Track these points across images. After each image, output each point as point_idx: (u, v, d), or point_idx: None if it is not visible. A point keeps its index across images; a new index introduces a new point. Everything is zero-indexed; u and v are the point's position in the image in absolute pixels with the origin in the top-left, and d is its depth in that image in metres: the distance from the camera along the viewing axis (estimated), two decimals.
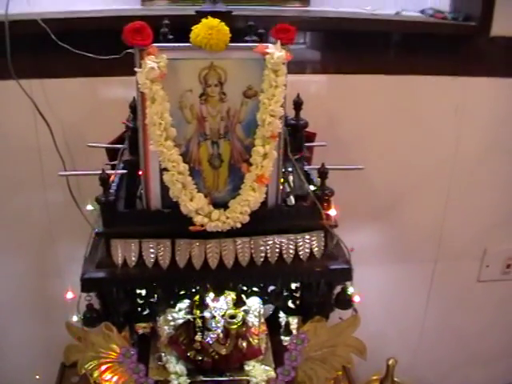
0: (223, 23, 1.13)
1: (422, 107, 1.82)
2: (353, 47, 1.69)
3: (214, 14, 1.19)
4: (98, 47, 1.47)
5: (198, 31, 1.11)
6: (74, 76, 1.66)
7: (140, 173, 1.23)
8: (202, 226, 1.18)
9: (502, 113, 1.88)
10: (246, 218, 1.18)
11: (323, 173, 1.22)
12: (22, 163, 1.76)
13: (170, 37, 1.25)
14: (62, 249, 1.85)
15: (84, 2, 1.73)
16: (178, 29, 1.24)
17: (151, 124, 1.12)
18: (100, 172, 1.22)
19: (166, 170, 1.16)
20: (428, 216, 2.00)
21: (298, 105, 1.38)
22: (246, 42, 1.26)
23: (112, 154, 1.48)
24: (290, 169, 1.33)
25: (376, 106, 1.79)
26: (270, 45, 1.13)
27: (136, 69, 1.12)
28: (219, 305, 1.49)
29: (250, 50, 1.14)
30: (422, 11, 1.85)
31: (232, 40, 1.19)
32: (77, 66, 1.51)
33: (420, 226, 2.01)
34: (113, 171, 1.33)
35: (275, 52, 1.11)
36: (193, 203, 1.16)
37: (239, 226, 1.18)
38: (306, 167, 1.36)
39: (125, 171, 1.32)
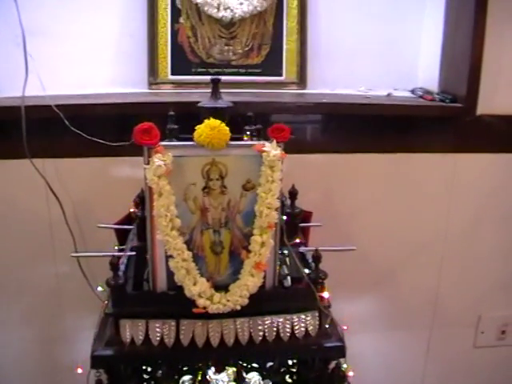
0: (224, 124, 1.22)
1: (415, 183, 1.92)
2: (348, 128, 1.79)
3: (216, 110, 1.28)
4: (108, 129, 1.64)
5: (200, 131, 1.22)
6: (85, 156, 1.76)
7: (147, 257, 1.31)
8: (205, 308, 1.26)
9: (491, 186, 1.97)
10: (246, 301, 1.27)
11: (317, 257, 1.31)
12: (34, 238, 1.85)
13: (175, 126, 1.35)
14: (70, 318, 1.91)
15: (94, 86, 1.83)
16: (183, 114, 1.39)
17: (158, 215, 1.22)
18: (109, 254, 1.32)
19: (171, 256, 1.25)
20: (423, 285, 2.08)
21: (293, 195, 1.48)
22: (246, 131, 1.36)
23: (120, 233, 1.57)
24: (286, 252, 1.41)
25: (371, 183, 1.89)
26: (266, 143, 1.22)
27: (144, 165, 1.22)
28: (221, 377, 1.55)
29: (249, 147, 1.24)
30: (413, 91, 1.94)
31: (232, 127, 1.29)
32: (88, 147, 1.59)
33: (415, 295, 2.08)
34: (122, 253, 1.40)
35: (271, 150, 1.21)
36: (196, 287, 1.25)
37: (239, 308, 1.27)
38: (302, 249, 1.44)
39: (133, 253, 1.40)
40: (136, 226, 1.41)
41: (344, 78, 1.93)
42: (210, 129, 1.20)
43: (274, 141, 1.23)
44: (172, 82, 1.83)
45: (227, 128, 1.22)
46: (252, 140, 1.34)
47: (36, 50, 1.71)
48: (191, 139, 1.25)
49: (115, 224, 1.58)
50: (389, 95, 1.86)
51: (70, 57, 1.85)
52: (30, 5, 1.73)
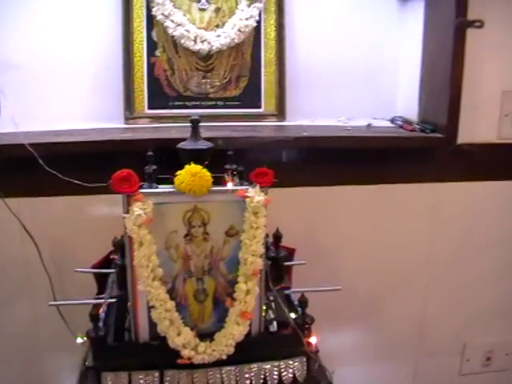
0: (205, 170, 1.19)
1: (397, 213, 1.91)
2: (328, 161, 1.76)
3: (197, 152, 1.25)
4: (84, 167, 1.59)
5: (181, 178, 1.19)
6: (61, 195, 1.71)
7: (128, 306, 1.26)
8: (190, 359, 1.22)
9: (472, 214, 1.97)
10: (231, 350, 1.24)
11: (303, 302, 1.28)
12: (9, 279, 1.79)
13: (154, 167, 1.31)
14: (49, 363, 1.86)
15: (70, 120, 1.79)
16: (161, 151, 1.36)
17: (139, 266, 1.18)
18: (88, 302, 1.28)
19: (153, 307, 1.21)
20: (408, 314, 2.06)
21: (277, 238, 1.44)
22: (226, 170, 1.33)
23: (99, 275, 1.52)
24: (271, 297, 1.37)
25: (353, 215, 1.87)
26: (249, 188, 1.19)
27: (123, 214, 1.18)
28: None
29: (231, 193, 1.21)
30: (392, 120, 1.93)
31: (212, 164, 1.29)
32: (63, 185, 1.53)
33: (400, 325, 2.06)
34: (101, 300, 1.36)
35: (255, 196, 1.18)
36: (180, 338, 1.22)
37: (225, 357, 1.23)
38: (287, 291, 1.41)
39: (113, 299, 1.35)
40: (116, 274, 1.35)
41: (323, 109, 1.91)
42: (191, 175, 1.17)
43: (258, 186, 1.19)
44: (149, 117, 1.79)
45: (209, 174, 1.19)
46: (233, 180, 1.30)
47: (9, 83, 1.71)
48: (171, 180, 1.21)
49: (93, 266, 1.54)
50: (369, 126, 1.85)
51: (45, 90, 1.80)
52: (2, 38, 1.71)
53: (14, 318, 1.81)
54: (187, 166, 1.19)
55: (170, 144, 1.41)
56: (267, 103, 1.85)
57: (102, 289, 1.49)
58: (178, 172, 1.19)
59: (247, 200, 1.19)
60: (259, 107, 1.85)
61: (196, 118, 1.31)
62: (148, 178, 1.25)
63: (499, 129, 1.88)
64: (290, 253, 1.56)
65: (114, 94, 1.80)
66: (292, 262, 1.53)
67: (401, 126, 1.85)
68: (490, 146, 1.89)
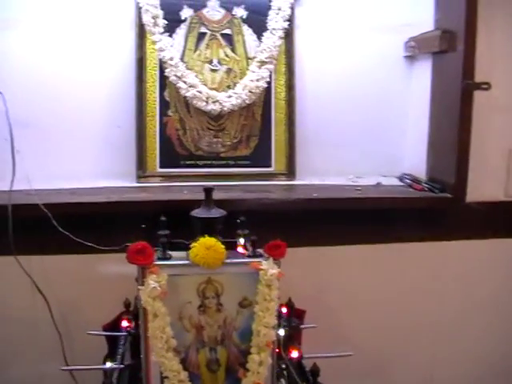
0: (219, 242, 1.20)
1: (406, 272, 1.91)
2: (338, 220, 1.78)
3: (209, 220, 1.27)
4: (97, 227, 1.64)
5: (196, 251, 1.20)
6: (73, 253, 1.71)
7: (141, 376, 1.27)
8: None
9: (481, 271, 1.97)
10: None
11: (315, 371, 1.28)
12: (18, 336, 1.79)
13: (167, 232, 1.35)
14: None
15: (83, 178, 1.82)
16: (173, 212, 1.40)
17: (153, 337, 1.20)
18: (100, 367, 1.31)
19: (166, 377, 1.21)
20: (416, 374, 2.05)
21: (289, 308, 1.45)
22: (238, 235, 1.35)
23: (110, 338, 1.53)
24: (283, 365, 1.38)
25: (361, 275, 1.88)
26: (263, 261, 1.21)
27: (139, 286, 1.19)
28: None
29: (245, 265, 1.22)
30: (401, 178, 1.95)
31: (223, 228, 1.32)
32: (75, 243, 1.59)
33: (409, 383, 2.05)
34: (114, 366, 1.36)
35: (268, 269, 1.19)
36: None
37: None
38: (299, 358, 1.41)
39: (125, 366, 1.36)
40: (129, 342, 1.36)
41: (333, 166, 1.94)
42: (206, 248, 1.19)
43: (271, 258, 1.20)
44: (160, 175, 1.82)
45: (222, 247, 1.20)
46: (245, 247, 1.34)
47: (23, 141, 1.73)
48: (184, 245, 1.23)
49: (104, 327, 1.54)
50: (378, 184, 1.86)
51: (58, 148, 1.84)
52: (15, 95, 1.73)
53: (21, 374, 1.82)
54: (201, 239, 1.20)
55: (182, 205, 1.43)
56: (277, 162, 1.87)
57: (112, 350, 1.49)
58: (193, 244, 1.21)
59: (261, 272, 1.20)
60: (269, 166, 1.87)
61: (210, 186, 1.32)
62: (162, 248, 1.26)
63: (506, 187, 1.91)
64: (301, 314, 1.57)
65: (127, 152, 1.83)
66: (302, 326, 1.53)
67: (410, 185, 1.86)
68: (497, 204, 1.91)
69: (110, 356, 1.44)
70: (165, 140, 1.83)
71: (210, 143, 1.83)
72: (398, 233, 1.84)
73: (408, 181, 1.90)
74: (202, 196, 1.41)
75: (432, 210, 1.82)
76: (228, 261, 1.21)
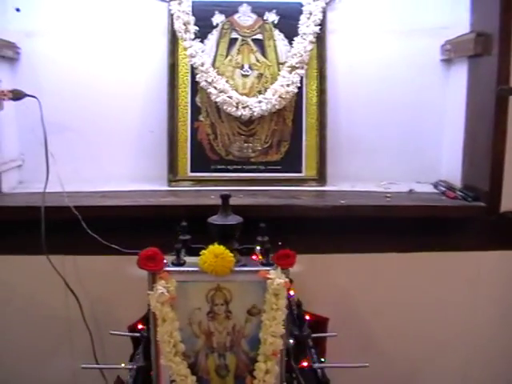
0: (228, 251, 1.21)
1: (438, 282, 1.87)
2: (367, 228, 1.76)
3: (225, 227, 1.29)
4: (126, 229, 1.69)
5: (205, 258, 1.22)
6: (104, 254, 1.75)
7: (152, 377, 1.30)
8: None
9: None
10: None
11: (324, 382, 1.27)
12: (52, 333, 1.85)
13: (188, 237, 1.41)
14: None
15: (115, 181, 1.86)
16: (199, 217, 1.41)
17: (162, 341, 1.22)
18: (116, 367, 1.39)
19: (174, 381, 1.23)
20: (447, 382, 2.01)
21: (300, 313, 1.44)
22: (257, 241, 1.35)
23: (134, 338, 1.56)
24: (293, 375, 1.38)
25: (391, 284, 1.85)
26: (271, 270, 1.21)
27: (148, 291, 1.22)
28: None
29: (253, 273, 1.23)
30: (436, 185, 1.91)
31: (243, 236, 1.36)
32: (105, 244, 1.64)
33: None
34: (129, 367, 1.40)
35: (276, 278, 1.20)
36: None
37: None
38: (316, 365, 1.41)
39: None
40: (142, 345, 1.39)
41: (365, 172, 1.92)
42: (214, 256, 1.20)
43: (279, 268, 1.20)
44: (191, 179, 1.85)
45: (231, 255, 1.21)
46: (263, 254, 1.34)
47: (59, 146, 1.78)
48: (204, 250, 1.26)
49: (129, 327, 1.57)
50: (410, 191, 1.83)
51: (92, 153, 1.90)
52: (53, 103, 1.80)
53: (54, 371, 1.87)
54: (211, 246, 1.22)
55: (208, 210, 1.46)
56: (308, 168, 1.87)
57: (137, 348, 1.52)
58: (202, 252, 1.21)
59: (268, 282, 1.21)
60: (300, 172, 1.87)
61: (226, 193, 1.34)
62: (176, 254, 1.28)
63: None
64: (323, 322, 1.57)
65: (158, 156, 1.87)
66: (323, 334, 1.53)
67: (443, 193, 1.82)
68: None
69: (135, 354, 1.46)
70: (196, 144, 1.85)
71: (240, 148, 1.84)
72: (428, 241, 1.81)
73: (442, 188, 1.85)
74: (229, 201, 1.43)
75: (465, 219, 1.75)
76: (237, 269, 1.21)
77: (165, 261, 1.26)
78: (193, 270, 1.22)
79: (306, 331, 1.42)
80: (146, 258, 1.19)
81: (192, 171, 1.84)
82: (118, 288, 1.80)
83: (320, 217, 1.69)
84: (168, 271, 1.21)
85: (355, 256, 1.79)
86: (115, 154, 1.88)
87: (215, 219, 1.33)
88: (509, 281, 1.87)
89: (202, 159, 1.85)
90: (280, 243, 1.47)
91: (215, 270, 1.19)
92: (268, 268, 1.22)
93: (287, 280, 1.20)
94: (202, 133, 1.83)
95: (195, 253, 1.33)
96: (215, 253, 1.19)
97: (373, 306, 1.82)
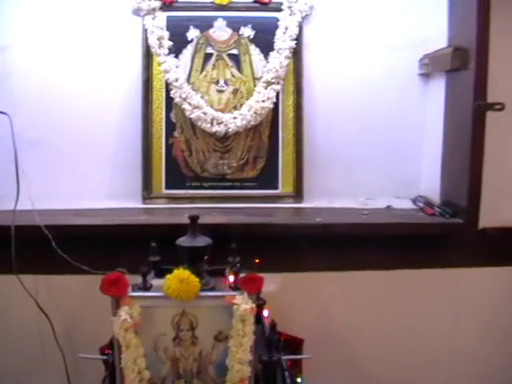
0: (193, 275, 1.18)
1: (417, 300, 1.84)
2: (345, 245, 1.73)
3: (194, 250, 1.26)
4: (98, 248, 1.65)
5: (169, 283, 1.19)
6: (75, 273, 1.71)
7: None
8: None
9: (497, 300, 1.88)
10: None
11: None
12: (24, 350, 1.82)
13: (158, 259, 1.42)
14: None
15: (88, 198, 1.84)
16: (171, 236, 1.39)
17: (126, 368, 1.19)
18: None
19: None
20: None
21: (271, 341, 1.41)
22: (228, 262, 1.33)
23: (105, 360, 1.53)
24: None
25: (370, 302, 1.81)
26: (237, 295, 1.18)
27: (111, 317, 1.18)
28: None
29: (219, 298, 1.20)
30: (414, 200, 1.89)
31: (214, 257, 1.35)
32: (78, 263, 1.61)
33: None
34: None
35: (242, 304, 1.17)
36: None
37: None
38: None
39: None
40: (108, 370, 1.35)
41: (343, 188, 1.90)
42: (179, 281, 1.17)
43: (246, 293, 1.18)
44: (166, 197, 1.82)
45: (196, 279, 1.18)
46: (234, 274, 1.32)
47: (31, 162, 1.77)
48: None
49: (101, 349, 1.53)
50: (388, 208, 1.82)
51: (65, 169, 1.87)
52: (23, 114, 1.77)
53: None
54: (175, 271, 1.20)
55: (181, 230, 1.42)
56: (284, 184, 1.85)
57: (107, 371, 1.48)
58: (167, 276, 1.18)
59: (234, 307, 1.17)
60: (276, 188, 1.85)
61: (194, 214, 1.31)
62: (142, 278, 1.25)
63: None
64: (299, 343, 1.53)
65: (133, 172, 1.85)
66: (296, 356, 1.49)
67: (421, 209, 1.80)
68: None
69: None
70: (171, 161, 1.83)
71: (216, 165, 1.81)
72: (407, 259, 1.78)
73: (421, 204, 1.83)
74: (202, 219, 1.41)
75: (444, 235, 1.73)
76: (202, 294, 1.18)
77: (130, 284, 1.22)
78: (157, 296, 1.18)
79: (276, 356, 1.37)
80: (109, 282, 1.16)
81: (167, 188, 1.82)
82: (90, 307, 1.76)
83: (296, 235, 1.64)
84: (132, 296, 1.16)
85: (332, 274, 1.76)
86: (89, 170, 1.85)
87: (183, 241, 1.30)
88: (490, 297, 1.84)
89: (177, 176, 1.82)
90: (257, 260, 1.44)
91: (180, 295, 1.17)
92: (234, 293, 1.18)
93: (253, 306, 1.17)
94: (176, 149, 1.81)
95: (165, 274, 1.29)
96: (180, 278, 1.17)
97: (352, 324, 1.80)
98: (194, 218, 1.30)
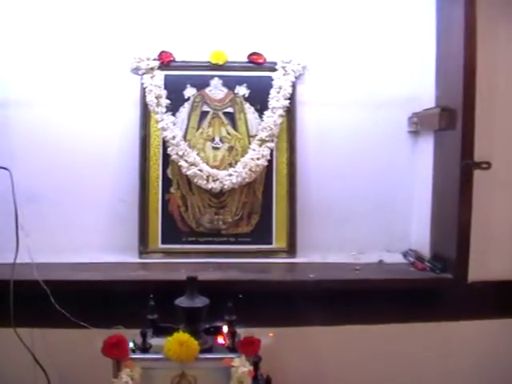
0: (192, 338, 1.21)
1: (407, 353, 1.87)
2: (337, 300, 1.76)
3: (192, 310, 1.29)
4: (96, 302, 1.67)
5: (169, 345, 1.22)
6: (73, 327, 1.73)
7: None
8: None
9: (487, 353, 1.91)
10: None
11: None
12: None
13: (155, 317, 1.45)
14: None
15: (85, 252, 1.87)
16: (168, 292, 1.43)
17: None
18: None
19: None
20: None
21: None
22: (224, 319, 1.36)
23: None
24: None
25: (362, 355, 1.84)
26: (235, 358, 1.21)
27: (112, 379, 1.21)
28: None
29: (218, 361, 1.22)
30: (405, 254, 1.93)
31: (212, 312, 1.37)
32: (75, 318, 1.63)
33: None
34: None
35: (240, 366, 1.20)
36: None
37: None
38: None
39: None
40: None
41: (335, 242, 1.94)
42: (179, 344, 1.20)
43: (243, 356, 1.21)
44: (162, 252, 1.85)
45: (196, 342, 1.21)
46: (231, 331, 1.35)
47: (29, 216, 1.77)
48: (172, 329, 1.25)
49: None
50: (380, 262, 1.86)
51: (63, 223, 1.90)
52: (21, 170, 1.79)
53: None
54: (175, 334, 1.22)
55: (178, 286, 1.46)
56: (278, 239, 1.88)
57: None
58: (167, 339, 1.21)
59: (232, 369, 1.20)
60: (270, 243, 1.89)
61: (193, 275, 1.34)
62: (142, 339, 1.28)
63: None
64: None
65: (129, 225, 1.88)
66: None
67: (412, 263, 1.84)
68: (503, 284, 1.85)
69: None
70: (167, 216, 1.86)
71: (211, 220, 1.85)
72: (399, 313, 1.81)
73: (411, 258, 1.87)
74: (199, 275, 1.46)
75: (434, 289, 1.77)
76: (201, 356, 1.21)
77: (130, 344, 1.25)
78: (158, 358, 1.21)
79: None
80: (111, 345, 1.18)
81: (163, 243, 1.85)
82: (87, 362, 1.76)
83: (289, 291, 1.68)
84: (133, 358, 1.19)
85: (325, 329, 1.79)
86: (86, 224, 1.88)
87: (182, 301, 1.34)
88: (479, 351, 1.87)
89: (173, 231, 1.86)
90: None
91: (180, 357, 1.20)
92: (232, 356, 1.21)
93: (251, 369, 1.20)
94: (173, 204, 1.84)
95: (163, 332, 1.32)
96: (180, 340, 1.20)
97: (344, 376, 1.81)
98: (192, 279, 1.34)
